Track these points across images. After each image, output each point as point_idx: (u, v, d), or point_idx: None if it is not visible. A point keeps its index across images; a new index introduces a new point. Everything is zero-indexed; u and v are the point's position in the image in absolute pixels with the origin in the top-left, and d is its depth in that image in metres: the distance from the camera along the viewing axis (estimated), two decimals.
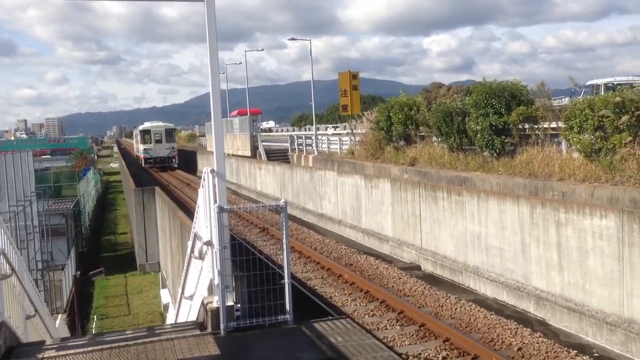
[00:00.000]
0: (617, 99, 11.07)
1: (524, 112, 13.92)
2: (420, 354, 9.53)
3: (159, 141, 56.71)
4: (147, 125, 59.29)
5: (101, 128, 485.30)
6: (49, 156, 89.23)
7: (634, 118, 10.85)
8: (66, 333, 17.50)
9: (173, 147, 57.59)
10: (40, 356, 6.90)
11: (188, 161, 60.05)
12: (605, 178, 11.02)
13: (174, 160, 57.76)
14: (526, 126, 14.27)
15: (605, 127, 11.31)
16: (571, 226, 10.96)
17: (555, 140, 13.64)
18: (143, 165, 56.57)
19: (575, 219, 10.85)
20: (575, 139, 12.02)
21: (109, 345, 7.12)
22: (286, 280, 7.57)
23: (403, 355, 9.22)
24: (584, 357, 9.22)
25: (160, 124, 60.08)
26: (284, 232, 7.65)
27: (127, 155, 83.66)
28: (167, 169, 55.58)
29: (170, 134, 57.71)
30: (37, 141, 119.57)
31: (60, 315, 21.33)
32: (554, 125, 13.49)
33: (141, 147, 58.07)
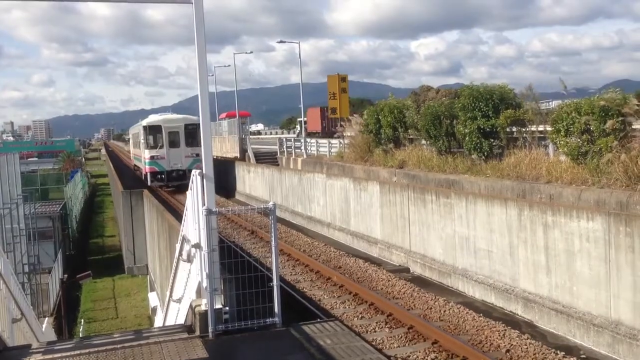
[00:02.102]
0: (602, 102, 11.16)
1: (512, 115, 14.01)
2: (408, 356, 9.54)
3: (174, 144, 35.12)
4: (155, 118, 37.63)
5: (89, 130, 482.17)
6: (36, 158, 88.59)
7: (618, 122, 10.95)
8: (53, 337, 17.34)
9: (197, 155, 33.44)
10: None
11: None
12: (591, 181, 11.11)
13: None
14: (514, 129, 14.36)
15: (591, 131, 11.41)
16: (558, 229, 11.03)
17: (543, 143, 13.73)
18: (149, 182, 35.25)
19: (563, 222, 10.93)
20: (562, 142, 12.11)
21: (96, 349, 7.07)
22: (275, 282, 7.56)
23: (392, 358, 9.23)
24: (572, 359, 9.28)
25: (178, 116, 37.52)
26: (273, 234, 7.64)
27: (115, 159, 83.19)
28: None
29: (193, 133, 34.40)
30: (24, 143, 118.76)
31: (47, 318, 21.13)
32: (541, 128, 13.59)
33: (146, 153, 35.70)
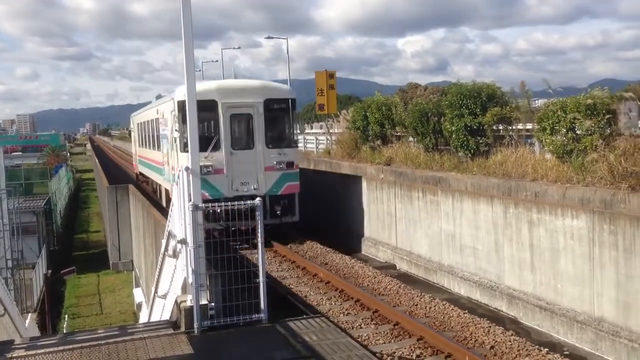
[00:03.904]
0: (589, 101, 11.25)
1: (498, 113, 14.07)
2: (394, 352, 9.56)
3: (242, 143, 17.06)
4: (204, 87, 16.53)
5: (74, 125, 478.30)
6: (20, 153, 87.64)
7: (603, 121, 11.04)
8: (36, 332, 17.20)
9: (291, 166, 17.12)
10: (9, 356, 6.77)
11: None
12: (576, 179, 11.19)
13: (292, 206, 17.49)
14: (500, 127, 14.43)
15: (576, 129, 11.49)
16: (543, 226, 11.11)
17: (529, 141, 13.81)
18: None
19: (548, 219, 11.01)
20: (547, 140, 12.18)
21: (79, 345, 7.02)
22: (261, 279, 7.55)
23: (377, 354, 9.24)
24: (555, 355, 9.35)
25: (248, 83, 18.02)
26: (259, 230, 7.63)
27: (100, 154, 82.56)
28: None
29: (279, 117, 17.38)
30: (7, 138, 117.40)
31: (30, 314, 20.97)
32: (529, 126, 13.66)
33: (181, 159, 15.86)
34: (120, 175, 40.83)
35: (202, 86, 16.20)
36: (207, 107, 15.61)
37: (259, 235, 7.63)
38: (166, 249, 8.90)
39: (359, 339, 9.88)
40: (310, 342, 6.89)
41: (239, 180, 16.46)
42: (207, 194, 14.87)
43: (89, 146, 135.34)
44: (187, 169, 7.56)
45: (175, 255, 8.26)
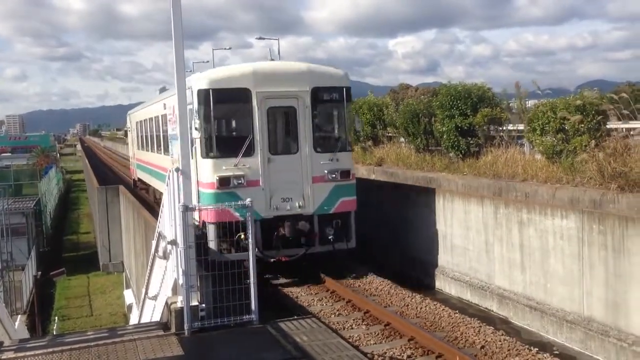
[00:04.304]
0: (578, 102, 11.32)
1: (489, 114, 14.14)
2: (385, 352, 9.57)
3: (282, 145, 13.07)
4: (232, 72, 12.85)
5: (64, 125, 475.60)
6: (10, 154, 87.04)
7: (594, 122, 11.11)
8: (26, 334, 17.08)
9: (347, 176, 12.92)
10: None
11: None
12: (566, 179, 11.26)
13: (348, 228, 13.07)
14: (491, 128, 14.50)
15: (566, 130, 11.56)
16: (533, 226, 11.16)
17: (519, 142, 13.89)
18: (212, 243, 11.87)
19: (538, 220, 11.06)
20: (537, 141, 12.25)
21: (69, 347, 6.98)
22: (252, 280, 7.54)
23: (368, 355, 9.25)
24: (545, 355, 9.39)
25: (288, 66, 13.58)
26: (250, 230, 7.62)
27: (91, 155, 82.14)
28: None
29: (332, 109, 13.46)
30: None
31: (19, 316, 20.83)
32: (521, 127, 13.74)
33: (204, 168, 12.29)
34: (110, 176, 40.66)
35: (232, 69, 13.01)
36: (237, 98, 12.51)
37: (250, 236, 7.62)
38: (156, 250, 8.87)
39: (350, 340, 9.88)
40: (301, 342, 6.89)
41: (279, 196, 12.48)
42: (238, 214, 11.17)
43: (79, 147, 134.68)
44: (177, 169, 7.53)
45: (165, 256, 8.24)
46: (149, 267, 10.13)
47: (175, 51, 7.52)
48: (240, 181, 12.15)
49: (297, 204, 12.56)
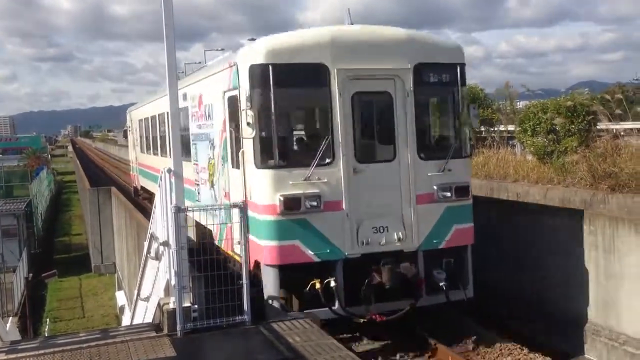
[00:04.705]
0: (569, 103, 11.41)
1: (481, 115, 14.21)
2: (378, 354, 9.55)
3: (368, 152, 9.01)
4: (307, 36, 8.75)
5: (55, 127, 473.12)
6: (0, 155, 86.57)
7: (584, 122, 11.20)
8: (17, 336, 16.98)
9: (465, 192, 9.03)
10: None
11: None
12: (557, 180, 11.33)
13: (463, 269, 9.11)
14: (482, 129, 14.57)
15: (557, 131, 11.64)
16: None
17: (511, 142, 13.97)
18: (270, 291, 8.35)
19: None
20: (529, 141, 12.32)
21: (61, 349, 6.95)
22: (244, 280, 7.52)
23: (361, 355, 9.24)
24: (536, 355, 9.39)
25: (379, 32, 8.98)
26: (242, 231, 7.61)
27: (83, 157, 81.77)
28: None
29: (442, 97, 9.62)
30: None
31: (11, 318, 20.68)
32: (511, 127, 13.82)
33: (253, 180, 8.52)
34: (102, 177, 40.51)
35: (301, 35, 8.91)
36: (309, 78, 8.65)
37: (242, 237, 7.61)
38: (149, 251, 8.86)
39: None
40: (294, 343, 6.89)
41: (371, 224, 8.60)
42: (310, 251, 8.27)
43: (70, 148, 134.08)
44: (169, 170, 7.52)
45: (157, 257, 8.22)
46: (141, 269, 10.11)
47: (167, 52, 7.49)
48: (314, 203, 8.32)
49: (395, 237, 8.66)
